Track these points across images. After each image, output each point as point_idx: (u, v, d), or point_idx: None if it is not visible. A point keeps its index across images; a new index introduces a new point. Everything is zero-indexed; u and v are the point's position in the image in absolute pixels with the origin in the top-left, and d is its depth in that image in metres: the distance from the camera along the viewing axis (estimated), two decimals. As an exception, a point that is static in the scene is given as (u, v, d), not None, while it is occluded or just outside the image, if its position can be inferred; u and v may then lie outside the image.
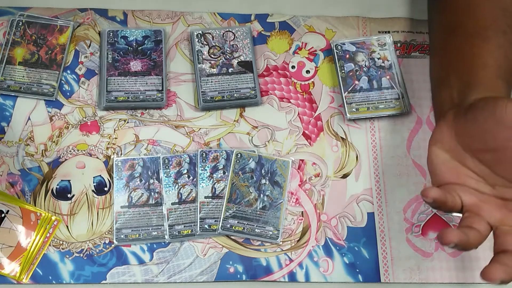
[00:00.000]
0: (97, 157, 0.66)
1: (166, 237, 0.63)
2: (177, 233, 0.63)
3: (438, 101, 0.61)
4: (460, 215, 0.51)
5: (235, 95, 0.69)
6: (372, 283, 0.63)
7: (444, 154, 0.54)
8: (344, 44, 0.72)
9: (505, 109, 0.49)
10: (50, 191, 0.64)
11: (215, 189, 0.65)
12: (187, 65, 0.71)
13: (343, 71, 0.71)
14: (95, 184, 0.65)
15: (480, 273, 0.46)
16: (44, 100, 0.68)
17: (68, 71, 0.70)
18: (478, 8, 0.59)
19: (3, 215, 0.63)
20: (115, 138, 0.67)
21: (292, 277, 0.63)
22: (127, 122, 0.68)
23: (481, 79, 0.55)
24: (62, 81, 0.69)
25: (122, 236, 0.63)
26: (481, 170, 0.52)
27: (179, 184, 0.65)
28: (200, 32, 0.72)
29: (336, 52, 0.72)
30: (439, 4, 0.65)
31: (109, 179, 0.65)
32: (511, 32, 0.57)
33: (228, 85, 0.69)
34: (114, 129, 0.68)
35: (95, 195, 0.65)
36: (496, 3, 0.59)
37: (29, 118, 0.67)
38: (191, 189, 0.65)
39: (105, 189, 0.65)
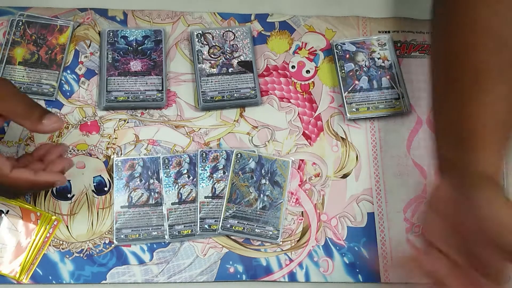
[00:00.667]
0: (97, 157, 0.66)
1: (166, 237, 0.63)
2: (177, 233, 0.63)
3: (438, 153, 0.57)
4: None
5: (235, 95, 0.69)
6: (372, 283, 0.63)
7: (437, 219, 0.54)
8: (344, 44, 0.72)
9: (496, 216, 0.47)
10: (50, 191, 0.64)
11: (215, 189, 0.65)
12: (187, 65, 0.71)
13: (343, 71, 0.71)
14: (95, 184, 0.65)
15: None
16: (44, 100, 0.68)
17: (68, 71, 0.70)
18: (487, 45, 0.52)
19: (3, 215, 0.63)
20: (115, 138, 0.67)
21: (292, 277, 0.63)
22: (127, 122, 0.68)
23: (480, 141, 0.51)
24: (62, 81, 0.69)
25: (122, 236, 0.63)
26: (461, 248, 0.52)
27: (179, 184, 0.65)
28: (200, 32, 0.72)
29: (336, 52, 0.72)
30: (438, 27, 0.59)
31: (109, 179, 0.65)
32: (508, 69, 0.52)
33: (228, 85, 0.69)
34: (114, 129, 0.68)
35: (95, 195, 0.65)
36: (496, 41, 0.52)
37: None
38: (191, 189, 0.65)
39: (105, 189, 0.65)
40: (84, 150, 0.67)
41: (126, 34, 0.71)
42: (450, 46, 0.55)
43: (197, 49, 0.71)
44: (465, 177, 0.51)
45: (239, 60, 0.71)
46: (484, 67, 0.52)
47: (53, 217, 0.63)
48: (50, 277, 0.61)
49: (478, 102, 0.52)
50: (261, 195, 0.65)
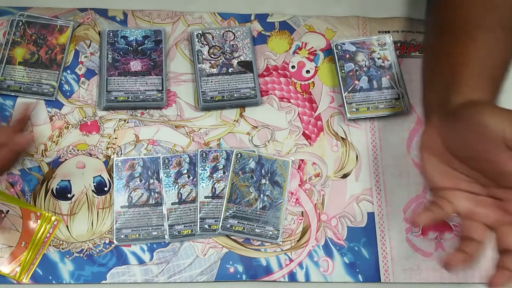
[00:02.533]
0: (97, 157, 0.66)
1: (166, 237, 0.63)
2: (177, 233, 0.63)
3: (424, 102, 0.61)
4: None
5: (235, 95, 0.69)
6: (372, 283, 0.63)
7: (434, 159, 0.54)
8: (344, 44, 0.72)
9: (484, 120, 0.48)
10: (50, 191, 0.64)
11: (215, 189, 0.65)
12: (187, 65, 0.71)
13: (343, 71, 0.71)
14: (95, 184, 0.65)
15: (487, 282, 0.48)
16: (44, 100, 0.68)
17: (68, 71, 0.70)
18: (468, 8, 0.58)
19: (3, 215, 0.63)
20: (115, 138, 0.67)
21: (292, 277, 0.63)
22: (127, 122, 0.68)
23: (464, 78, 0.54)
24: (62, 81, 0.69)
25: (122, 236, 0.63)
26: (471, 173, 0.52)
27: (179, 184, 0.65)
28: (200, 32, 0.72)
29: (336, 52, 0.72)
30: (433, 6, 0.65)
31: (109, 179, 0.65)
32: (500, 29, 0.57)
33: (228, 85, 0.69)
34: (114, 129, 0.68)
35: (95, 195, 0.65)
36: (486, 1, 0.58)
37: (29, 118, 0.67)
38: (191, 189, 0.65)
39: (105, 189, 0.65)
40: (84, 150, 0.67)
41: (126, 34, 0.71)
42: (443, 3, 0.61)
43: (197, 49, 0.71)
44: (450, 110, 0.53)
45: (239, 60, 0.71)
46: (474, 20, 0.56)
47: (53, 217, 0.63)
48: (50, 277, 0.61)
49: (459, 47, 0.56)
50: (261, 195, 0.65)
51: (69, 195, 0.65)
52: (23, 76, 0.68)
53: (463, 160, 0.52)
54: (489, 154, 0.49)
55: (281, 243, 0.64)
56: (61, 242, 0.63)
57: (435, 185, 0.54)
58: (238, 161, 0.66)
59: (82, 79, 0.70)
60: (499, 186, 0.51)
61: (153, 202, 0.64)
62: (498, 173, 0.50)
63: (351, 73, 0.70)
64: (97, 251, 0.63)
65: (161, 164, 0.65)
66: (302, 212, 0.65)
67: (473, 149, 0.50)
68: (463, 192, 0.53)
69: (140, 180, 0.65)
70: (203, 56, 0.70)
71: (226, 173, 0.65)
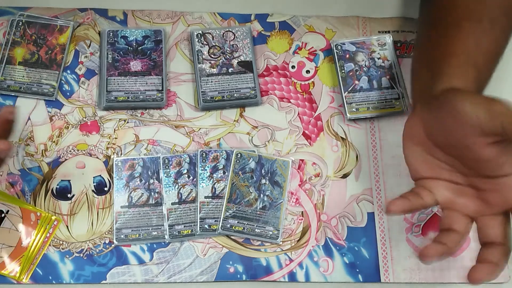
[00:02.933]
0: (97, 157, 0.66)
1: (166, 237, 0.63)
2: (177, 233, 0.63)
3: (411, 93, 0.61)
4: None
5: (235, 95, 0.69)
6: (372, 283, 0.63)
7: (416, 148, 0.54)
8: (344, 44, 0.72)
9: (461, 106, 0.48)
10: (50, 191, 0.64)
11: (215, 189, 0.65)
12: (187, 65, 0.71)
13: (343, 71, 0.71)
14: (95, 184, 0.65)
15: (467, 276, 0.48)
16: (44, 100, 0.68)
17: (68, 71, 0.70)
18: (459, 0, 0.59)
19: (3, 215, 0.63)
20: (115, 138, 0.67)
21: (292, 277, 0.63)
22: (127, 122, 0.68)
23: (448, 67, 0.55)
24: (62, 81, 0.69)
25: (122, 236, 0.63)
26: (452, 162, 0.52)
27: (179, 184, 0.65)
28: (200, 32, 0.72)
29: (336, 52, 0.72)
30: (426, 1, 0.66)
31: (109, 179, 0.65)
32: (487, 21, 0.57)
33: (228, 85, 0.69)
34: (114, 129, 0.68)
35: (95, 195, 0.65)
36: None
37: (29, 118, 0.67)
38: (191, 189, 0.65)
39: (105, 189, 0.65)
40: (84, 150, 0.67)
41: (126, 34, 0.71)
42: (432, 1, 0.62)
43: (197, 49, 0.71)
44: (432, 97, 0.53)
45: (239, 60, 0.71)
46: (462, 12, 0.58)
47: (53, 217, 0.63)
48: (50, 277, 0.61)
49: (447, 38, 0.57)
50: (261, 195, 0.65)
51: (69, 195, 0.65)
52: (23, 76, 0.68)
53: (444, 148, 0.52)
54: (466, 141, 0.49)
55: (281, 243, 0.64)
56: (61, 242, 0.63)
57: (416, 174, 0.54)
58: (238, 161, 0.66)
59: (82, 79, 0.70)
60: (479, 175, 0.51)
61: (153, 202, 0.64)
62: (476, 160, 0.50)
63: (351, 73, 0.71)
64: (97, 251, 0.63)
65: (161, 164, 0.65)
66: (302, 212, 0.65)
67: (452, 135, 0.50)
68: (444, 182, 0.53)
69: (140, 180, 0.65)
70: (203, 56, 0.70)
71: (226, 173, 0.65)
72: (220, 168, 0.66)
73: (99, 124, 0.68)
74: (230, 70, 0.70)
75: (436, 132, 0.52)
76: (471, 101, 0.48)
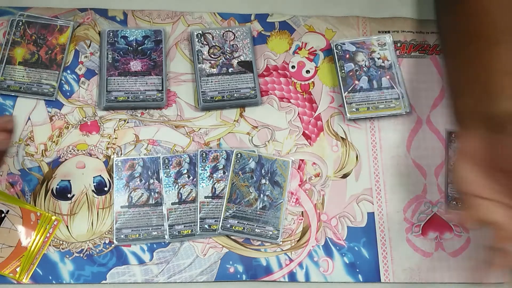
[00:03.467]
0: (97, 157, 0.66)
1: (166, 237, 0.63)
2: (177, 233, 0.63)
3: (458, 109, 0.60)
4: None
5: (235, 95, 0.69)
6: (372, 283, 0.63)
7: (474, 167, 0.54)
8: (344, 44, 0.72)
9: None
10: (50, 191, 0.64)
11: (215, 189, 0.65)
12: (187, 65, 0.71)
13: (343, 71, 0.71)
14: (95, 184, 0.65)
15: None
16: (44, 100, 0.68)
17: (68, 71, 0.70)
18: (496, 13, 0.58)
19: (3, 215, 0.63)
20: (115, 138, 0.67)
21: (292, 277, 0.63)
22: (127, 122, 0.68)
23: (504, 87, 0.54)
24: (62, 81, 0.69)
25: (122, 236, 0.63)
26: (508, 186, 0.53)
27: (179, 184, 0.65)
28: (200, 32, 0.72)
29: (336, 52, 0.72)
30: (451, 7, 0.64)
31: (109, 179, 0.65)
32: None
33: (228, 85, 0.69)
34: (114, 129, 0.68)
35: (95, 195, 0.65)
36: (509, 5, 0.58)
37: (29, 118, 0.67)
38: (191, 189, 0.65)
39: (105, 189, 0.65)
40: (84, 150, 0.67)
41: (126, 34, 0.71)
42: (468, 8, 0.60)
43: (197, 49, 0.71)
44: (492, 117, 0.53)
45: (239, 60, 0.71)
46: (504, 26, 0.57)
47: (53, 217, 0.63)
48: (50, 277, 0.61)
49: (492, 53, 0.56)
50: (261, 195, 0.65)
51: (69, 195, 0.65)
52: (23, 76, 0.68)
53: (504, 170, 0.52)
54: None
55: (281, 243, 0.64)
56: (61, 242, 0.63)
57: (469, 192, 0.54)
58: (238, 161, 0.66)
59: (82, 79, 0.70)
60: None
61: (153, 202, 0.64)
62: None
63: (351, 73, 0.70)
64: (97, 251, 0.63)
65: (161, 164, 0.65)
66: (302, 212, 0.65)
67: None
68: (498, 203, 0.53)
69: (140, 180, 0.65)
70: (203, 56, 0.70)
71: (226, 173, 0.65)
72: (220, 168, 0.66)
73: (99, 124, 0.68)
74: (230, 70, 0.70)
75: (501, 156, 0.52)
76: None
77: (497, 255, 0.51)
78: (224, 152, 0.66)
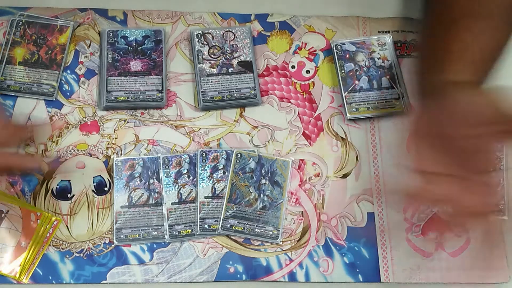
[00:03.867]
0: (97, 157, 0.66)
1: (166, 237, 0.63)
2: (177, 233, 0.63)
3: (419, 81, 0.61)
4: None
5: (235, 95, 0.69)
6: (372, 283, 0.63)
7: (424, 142, 0.54)
8: (344, 44, 0.72)
9: (459, 96, 0.51)
10: (50, 191, 0.64)
11: (215, 189, 0.65)
12: (187, 65, 0.71)
13: (343, 71, 0.71)
14: (95, 184, 0.65)
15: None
16: (44, 100, 0.68)
17: (68, 71, 0.70)
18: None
19: (3, 215, 0.63)
20: (115, 138, 0.67)
21: (292, 277, 0.63)
22: (127, 122, 0.68)
23: (448, 64, 0.56)
24: (62, 81, 0.69)
25: (122, 236, 0.63)
26: (453, 156, 0.53)
27: (179, 184, 0.65)
28: (200, 32, 0.72)
29: (336, 52, 0.72)
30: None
31: (109, 179, 0.65)
32: (484, 19, 0.58)
33: (228, 85, 0.69)
34: (114, 129, 0.68)
35: (95, 195, 0.65)
36: None
37: (29, 118, 0.67)
38: (191, 189, 0.65)
39: (105, 189, 0.65)
40: (84, 150, 0.67)
41: (126, 34, 0.71)
42: None
43: (197, 49, 0.71)
44: (444, 89, 0.54)
45: (239, 60, 0.71)
46: (462, 10, 0.58)
47: (53, 217, 0.63)
48: (50, 277, 0.61)
49: (459, 33, 0.58)
50: (261, 195, 0.65)
51: (69, 195, 0.65)
52: (23, 76, 0.68)
53: (445, 141, 0.53)
54: (464, 130, 0.51)
55: (281, 243, 0.64)
56: (61, 242, 0.63)
57: (421, 168, 0.54)
58: (238, 161, 0.66)
59: (82, 79, 0.70)
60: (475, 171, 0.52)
61: (153, 202, 0.64)
62: (473, 153, 0.52)
63: (351, 73, 0.70)
64: (97, 251, 0.63)
65: (161, 164, 0.65)
66: (302, 212, 0.65)
67: (452, 126, 0.52)
68: (444, 176, 0.53)
69: (140, 180, 0.65)
70: (203, 56, 0.70)
71: (226, 173, 0.65)
72: (220, 168, 0.66)
73: (99, 124, 0.68)
74: (230, 70, 0.70)
75: (439, 124, 0.53)
76: (469, 93, 0.51)
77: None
78: (224, 152, 0.66)
